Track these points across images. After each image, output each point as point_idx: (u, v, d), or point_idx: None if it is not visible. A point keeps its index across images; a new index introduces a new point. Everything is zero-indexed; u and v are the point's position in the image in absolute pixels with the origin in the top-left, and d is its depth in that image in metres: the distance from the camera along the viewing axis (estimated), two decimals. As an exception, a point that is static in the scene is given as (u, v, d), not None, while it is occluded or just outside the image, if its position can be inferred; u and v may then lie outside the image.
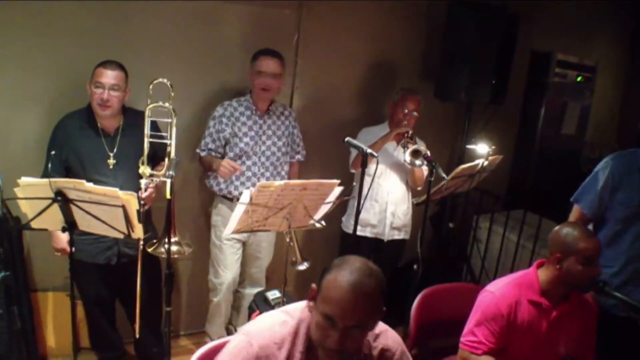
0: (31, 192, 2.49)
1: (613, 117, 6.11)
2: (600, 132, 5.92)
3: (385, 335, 1.87)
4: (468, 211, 4.68)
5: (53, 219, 2.58)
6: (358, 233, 3.79)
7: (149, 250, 2.79)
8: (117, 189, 2.48)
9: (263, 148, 3.54)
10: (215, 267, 3.69)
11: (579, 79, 5.23)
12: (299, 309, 1.80)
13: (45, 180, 2.46)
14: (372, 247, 3.91)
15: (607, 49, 5.71)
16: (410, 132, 3.64)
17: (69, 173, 2.98)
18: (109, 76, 2.95)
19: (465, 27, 4.07)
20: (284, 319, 1.78)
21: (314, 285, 1.72)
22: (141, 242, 2.87)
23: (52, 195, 2.47)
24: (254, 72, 3.44)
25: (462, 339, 2.49)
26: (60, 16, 3.21)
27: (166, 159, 2.95)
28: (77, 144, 3.00)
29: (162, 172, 2.94)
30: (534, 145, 5.09)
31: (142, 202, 2.88)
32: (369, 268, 1.68)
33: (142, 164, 2.93)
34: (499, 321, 2.42)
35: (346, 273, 1.64)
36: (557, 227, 2.50)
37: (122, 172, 3.04)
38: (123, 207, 2.51)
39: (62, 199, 2.50)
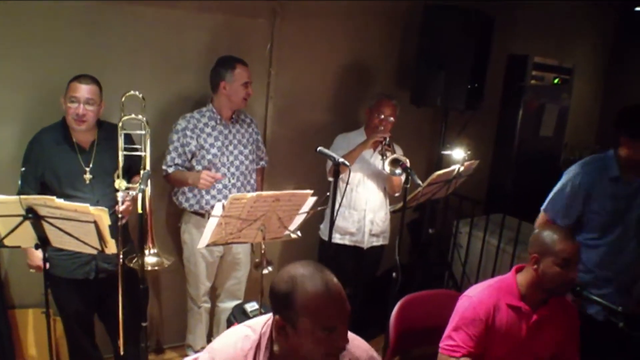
0: (1, 210, 2.47)
1: (592, 118, 6.16)
2: (580, 134, 5.96)
3: (352, 344, 1.86)
4: (448, 216, 4.69)
5: (26, 236, 2.55)
6: (337, 241, 3.83)
7: (129, 264, 2.78)
8: (87, 205, 2.46)
9: (231, 158, 3.51)
10: (191, 281, 3.69)
11: (556, 81, 5.27)
12: (261, 322, 1.81)
13: (15, 197, 2.44)
14: (352, 255, 3.91)
15: (584, 51, 5.77)
16: (388, 139, 3.64)
17: (45, 189, 2.96)
18: (84, 90, 2.94)
19: (440, 31, 4.10)
20: (246, 334, 1.79)
21: (277, 317, 1.70)
22: (120, 257, 2.85)
23: (23, 212, 2.45)
24: (236, 82, 3.39)
25: (441, 344, 2.50)
26: (30, 27, 3.19)
27: (142, 172, 2.93)
28: (53, 160, 2.98)
29: (135, 185, 2.92)
30: (512, 149, 5.13)
31: (120, 215, 2.91)
32: (315, 264, 1.71)
33: (118, 177, 2.91)
34: (477, 325, 2.43)
35: (312, 281, 1.64)
36: (537, 230, 2.52)
37: (99, 186, 3.03)
38: (95, 222, 2.49)
39: (33, 216, 2.47)
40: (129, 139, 2.97)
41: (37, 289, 3.23)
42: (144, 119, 2.92)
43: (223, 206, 2.57)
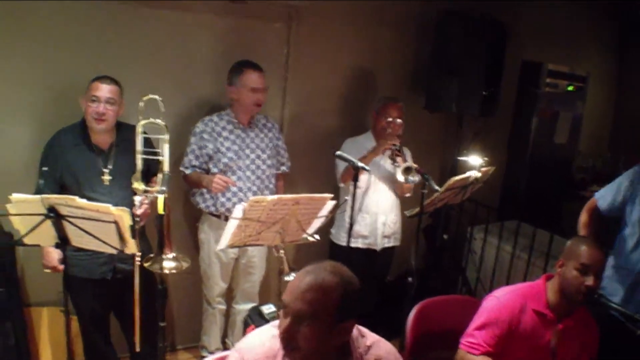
0: (23, 209, 2.48)
1: (606, 126, 6.15)
2: (594, 141, 5.95)
3: (378, 346, 1.89)
4: (462, 223, 4.69)
5: (46, 235, 2.57)
6: (351, 245, 3.82)
7: (146, 265, 2.79)
8: (109, 205, 2.48)
9: (247, 162, 3.52)
10: (206, 281, 3.70)
11: (570, 88, 5.27)
12: None
13: (37, 196, 2.46)
14: (364, 258, 3.91)
15: (597, 58, 5.76)
16: (398, 144, 3.64)
17: (63, 190, 2.98)
18: (105, 90, 2.97)
19: (454, 38, 4.12)
20: (274, 334, 1.80)
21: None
22: (137, 258, 2.85)
23: (44, 211, 2.47)
24: (244, 87, 3.41)
25: (462, 340, 2.52)
26: (46, 26, 3.23)
27: (159, 175, 2.94)
28: (72, 160, 3.01)
29: (156, 187, 2.94)
30: (526, 155, 5.12)
31: (137, 218, 2.92)
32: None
33: (136, 180, 2.93)
34: (500, 326, 2.45)
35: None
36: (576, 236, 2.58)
37: (117, 188, 3.05)
38: (116, 222, 2.51)
39: (54, 215, 2.49)
40: (147, 141, 2.99)
41: (53, 287, 3.28)
42: (163, 123, 2.92)
43: (243, 208, 2.58)
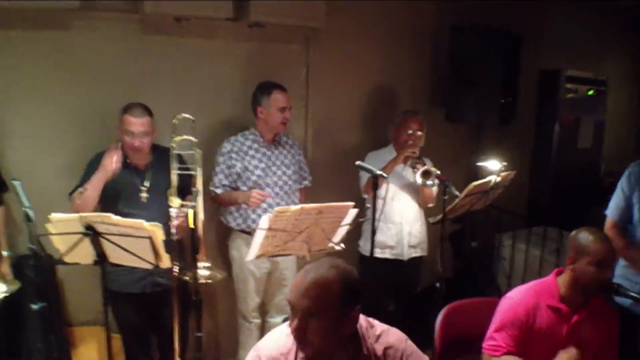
0: (62, 228, 2.62)
1: (630, 129, 6.12)
2: (619, 144, 5.93)
3: (387, 334, 1.98)
4: (489, 230, 4.72)
5: (84, 252, 2.70)
6: (378, 256, 3.89)
7: (182, 277, 2.90)
8: (142, 221, 2.61)
9: (275, 178, 3.64)
10: (240, 297, 3.80)
11: (590, 92, 5.29)
12: None
13: (75, 215, 2.60)
14: (393, 268, 3.97)
15: (617, 62, 5.77)
16: (417, 152, 3.73)
17: (101, 203, 3.15)
18: (138, 124, 3.14)
19: (469, 50, 4.24)
20: (288, 332, 1.90)
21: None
22: (175, 270, 2.95)
23: (82, 229, 2.60)
24: (272, 107, 3.55)
25: (483, 344, 2.57)
26: (80, 52, 3.47)
27: (193, 189, 3.04)
28: (113, 179, 3.15)
29: (189, 203, 3.04)
30: (550, 162, 5.14)
31: (173, 231, 3.01)
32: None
33: (171, 195, 3.03)
34: (517, 326, 2.49)
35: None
36: (575, 231, 2.58)
37: (154, 205, 3.18)
38: (150, 238, 2.63)
39: (92, 233, 2.62)
40: (180, 158, 3.12)
41: (93, 306, 3.39)
42: (195, 139, 3.05)
43: (269, 219, 2.69)
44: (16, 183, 2.74)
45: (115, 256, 2.74)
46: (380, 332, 1.97)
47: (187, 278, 2.89)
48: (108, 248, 2.71)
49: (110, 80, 3.52)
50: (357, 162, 3.17)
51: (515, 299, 2.55)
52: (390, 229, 3.94)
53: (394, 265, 3.98)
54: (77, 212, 2.86)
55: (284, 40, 4.05)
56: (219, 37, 3.86)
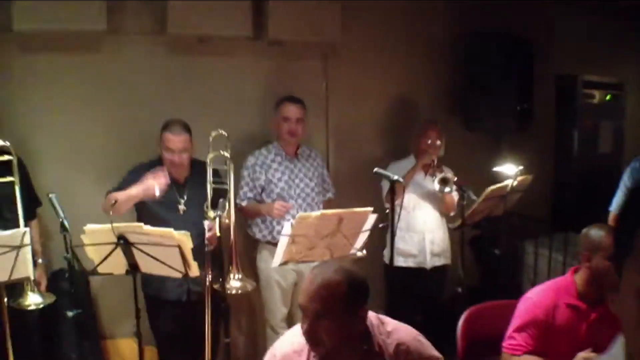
0: (96, 238, 2.75)
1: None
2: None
3: (399, 330, 2.04)
4: (513, 237, 4.73)
5: (117, 263, 2.82)
6: (401, 264, 3.96)
7: (215, 286, 2.97)
8: (171, 230, 2.73)
9: (298, 190, 3.75)
10: (268, 308, 3.87)
11: (608, 97, 5.30)
12: None
13: (108, 225, 2.71)
14: (417, 277, 4.03)
15: (635, 65, 5.74)
16: (436, 160, 3.82)
17: (140, 215, 3.30)
18: (177, 142, 3.30)
19: (484, 58, 4.33)
20: (300, 334, 1.97)
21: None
22: (208, 280, 3.02)
23: (115, 239, 2.72)
24: (279, 118, 3.70)
25: (503, 344, 2.60)
26: (109, 73, 3.68)
27: (226, 203, 3.14)
28: None
29: (224, 214, 3.12)
30: (571, 167, 5.14)
31: (206, 242, 3.08)
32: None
33: (207, 207, 3.13)
34: (537, 325, 2.53)
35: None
36: (584, 229, 2.62)
37: (191, 216, 3.30)
38: (178, 246, 2.73)
39: (124, 243, 2.74)
40: (217, 173, 3.25)
41: (128, 320, 3.51)
42: (228, 155, 3.16)
43: (292, 224, 2.79)
44: (52, 196, 2.90)
45: (147, 266, 2.85)
46: (392, 329, 2.03)
47: (218, 287, 2.97)
48: (139, 258, 2.82)
49: (137, 99, 3.72)
50: (375, 169, 3.26)
51: (534, 299, 2.59)
52: (412, 237, 4.01)
53: (418, 274, 4.03)
54: (107, 212, 2.98)
55: (302, 56, 4.20)
56: (240, 55, 4.03)
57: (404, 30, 4.48)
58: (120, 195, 3.19)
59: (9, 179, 2.95)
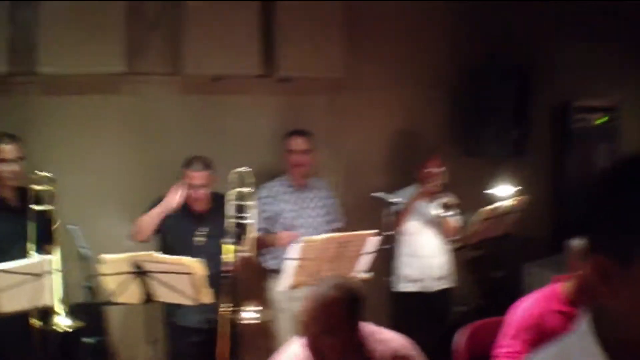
0: (113, 268, 2.93)
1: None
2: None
3: (392, 339, 2.19)
4: (514, 258, 4.85)
5: (133, 292, 2.99)
6: (406, 290, 4.13)
7: (230, 316, 3.18)
8: (182, 257, 2.93)
9: (307, 220, 3.92)
10: (281, 337, 3.89)
11: (598, 121, 5.44)
12: None
13: (124, 255, 2.92)
14: (422, 302, 4.17)
15: (629, 87, 5.85)
16: (438, 187, 4.02)
17: (162, 246, 3.49)
18: (197, 178, 3.52)
19: (483, 88, 4.58)
20: (299, 345, 2.15)
21: None
22: (226, 309, 3.23)
23: (131, 269, 2.91)
24: (286, 151, 3.93)
25: (495, 352, 2.69)
26: (128, 112, 3.95)
27: (246, 236, 3.38)
28: (174, 223, 3.53)
29: (244, 247, 3.35)
30: (570, 190, 5.26)
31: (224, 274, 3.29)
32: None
33: (226, 241, 3.33)
34: (529, 331, 2.61)
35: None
36: (570, 241, 2.73)
37: (211, 248, 3.44)
38: (190, 273, 2.92)
39: (139, 271, 2.93)
40: (237, 207, 3.45)
41: (143, 348, 3.63)
42: (250, 190, 3.40)
43: (299, 248, 2.98)
44: (73, 228, 3.09)
45: (161, 294, 3.02)
46: (386, 338, 2.18)
47: (234, 317, 3.17)
48: (154, 286, 2.98)
49: (156, 136, 3.99)
50: (372, 194, 3.45)
51: (524, 306, 2.69)
52: (416, 262, 4.16)
53: (423, 298, 4.18)
54: (134, 237, 3.25)
55: (311, 92, 4.45)
56: (252, 92, 4.29)
57: (407, 64, 4.72)
58: (143, 217, 3.43)
59: (48, 207, 3.17)
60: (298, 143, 3.91)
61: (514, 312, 2.74)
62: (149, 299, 3.03)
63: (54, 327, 2.98)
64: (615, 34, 5.35)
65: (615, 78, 5.67)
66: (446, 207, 3.85)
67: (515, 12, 4.83)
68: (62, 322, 3.00)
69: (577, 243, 2.70)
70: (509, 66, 4.57)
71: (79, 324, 3.12)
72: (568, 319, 2.66)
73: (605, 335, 0.87)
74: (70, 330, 3.06)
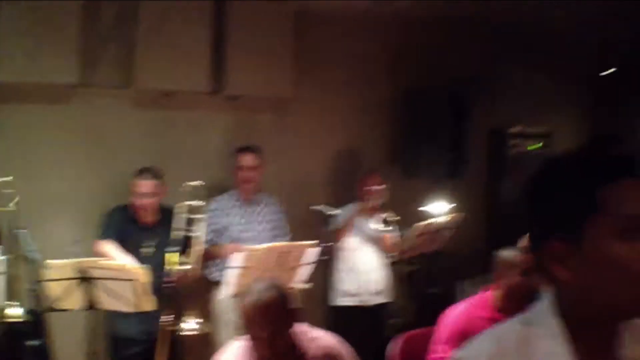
0: (58, 274, 2.95)
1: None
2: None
3: (323, 339, 2.31)
4: (449, 277, 5.06)
5: (76, 298, 3.01)
6: (344, 304, 4.30)
7: (171, 328, 3.24)
8: (125, 263, 3.01)
9: (254, 233, 4.02)
10: (222, 343, 4.05)
11: (535, 146, 5.79)
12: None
13: (70, 260, 2.96)
14: (361, 316, 4.32)
15: (562, 115, 6.22)
16: (377, 204, 4.21)
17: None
18: (144, 186, 3.62)
19: (421, 113, 4.84)
20: (240, 344, 2.27)
21: None
22: (168, 320, 3.28)
23: (76, 275, 2.94)
24: (236, 167, 4.05)
25: (430, 357, 2.85)
26: (80, 123, 4.00)
27: (191, 249, 3.45)
28: (124, 235, 3.60)
29: (189, 260, 3.41)
30: (501, 211, 5.55)
31: (167, 284, 3.35)
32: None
33: (170, 253, 3.38)
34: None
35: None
36: (497, 253, 2.96)
37: (157, 259, 3.49)
38: (133, 280, 2.97)
39: (84, 278, 2.95)
40: (184, 220, 3.53)
41: (84, 356, 3.65)
42: (201, 204, 3.50)
43: (242, 256, 3.10)
44: (21, 232, 3.12)
45: (105, 301, 3.04)
46: (315, 336, 2.29)
47: (175, 329, 3.23)
48: (98, 293, 3.01)
49: (107, 149, 4.06)
50: (311, 207, 3.62)
51: (455, 313, 2.87)
52: (355, 277, 4.32)
53: (361, 311, 4.33)
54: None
55: (259, 110, 4.61)
56: (202, 108, 4.41)
57: (350, 87, 4.95)
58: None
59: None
60: (248, 159, 4.04)
61: (446, 319, 2.89)
62: (92, 305, 3.05)
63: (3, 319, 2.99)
64: (550, 64, 5.72)
65: (549, 106, 6.04)
66: (386, 222, 4.04)
67: (455, 40, 5.13)
68: (13, 312, 3.03)
69: (504, 254, 2.92)
70: (446, 92, 4.86)
71: (30, 317, 3.16)
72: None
73: (565, 315, 0.95)
74: (20, 320, 3.08)
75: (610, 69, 6.13)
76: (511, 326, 1.04)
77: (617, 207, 0.90)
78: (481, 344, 1.02)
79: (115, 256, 3.38)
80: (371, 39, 5.01)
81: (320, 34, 4.78)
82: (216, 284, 4.00)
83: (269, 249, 3.17)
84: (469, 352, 0.98)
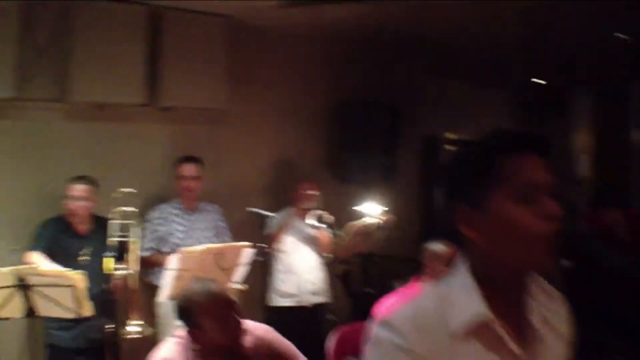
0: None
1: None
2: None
3: (255, 328, 2.42)
4: (384, 278, 5.23)
5: (16, 307, 3.01)
6: (282, 304, 4.41)
7: (111, 330, 3.30)
8: (64, 269, 3.05)
9: (196, 242, 4.03)
10: None
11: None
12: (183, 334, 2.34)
13: (8, 268, 2.97)
14: (298, 316, 4.43)
15: (493, 123, 6.53)
16: (310, 206, 4.37)
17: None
18: (76, 190, 3.66)
19: (353, 121, 5.08)
20: (176, 340, 2.34)
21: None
22: (109, 327, 3.35)
23: (14, 282, 2.95)
24: (177, 177, 4.14)
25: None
26: (17, 136, 4.00)
27: (130, 254, 3.53)
28: (57, 245, 3.61)
29: (125, 266, 3.49)
30: (436, 214, 5.80)
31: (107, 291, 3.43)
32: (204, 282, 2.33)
33: (107, 259, 3.45)
34: None
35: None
36: (425, 246, 3.22)
37: (93, 267, 3.52)
38: (72, 286, 3.01)
39: (23, 286, 2.96)
40: (120, 227, 3.61)
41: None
42: (136, 210, 3.58)
43: (178, 259, 3.19)
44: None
45: (44, 308, 3.05)
46: (248, 328, 2.36)
47: (111, 330, 3.30)
48: (37, 300, 3.01)
49: (43, 162, 4.04)
50: (247, 208, 3.74)
51: (388, 303, 3.08)
52: (292, 278, 4.45)
53: (299, 311, 4.46)
54: None
55: (194, 121, 4.69)
56: (136, 120, 4.45)
57: (284, 98, 5.12)
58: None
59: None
60: (189, 169, 4.13)
61: (380, 309, 3.09)
62: (31, 313, 3.06)
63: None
64: (480, 75, 6.04)
65: (481, 114, 6.36)
66: (320, 220, 4.20)
67: (389, 53, 5.37)
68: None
69: (432, 246, 3.14)
70: (379, 101, 5.10)
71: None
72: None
73: (477, 274, 1.07)
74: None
75: (536, 79, 6.53)
76: (432, 289, 1.16)
77: (515, 176, 1.05)
78: (404, 307, 1.12)
79: (44, 267, 3.37)
80: (306, 52, 5.21)
81: (255, 46, 4.92)
82: (158, 287, 4.06)
83: (205, 251, 3.27)
84: (394, 316, 1.08)
